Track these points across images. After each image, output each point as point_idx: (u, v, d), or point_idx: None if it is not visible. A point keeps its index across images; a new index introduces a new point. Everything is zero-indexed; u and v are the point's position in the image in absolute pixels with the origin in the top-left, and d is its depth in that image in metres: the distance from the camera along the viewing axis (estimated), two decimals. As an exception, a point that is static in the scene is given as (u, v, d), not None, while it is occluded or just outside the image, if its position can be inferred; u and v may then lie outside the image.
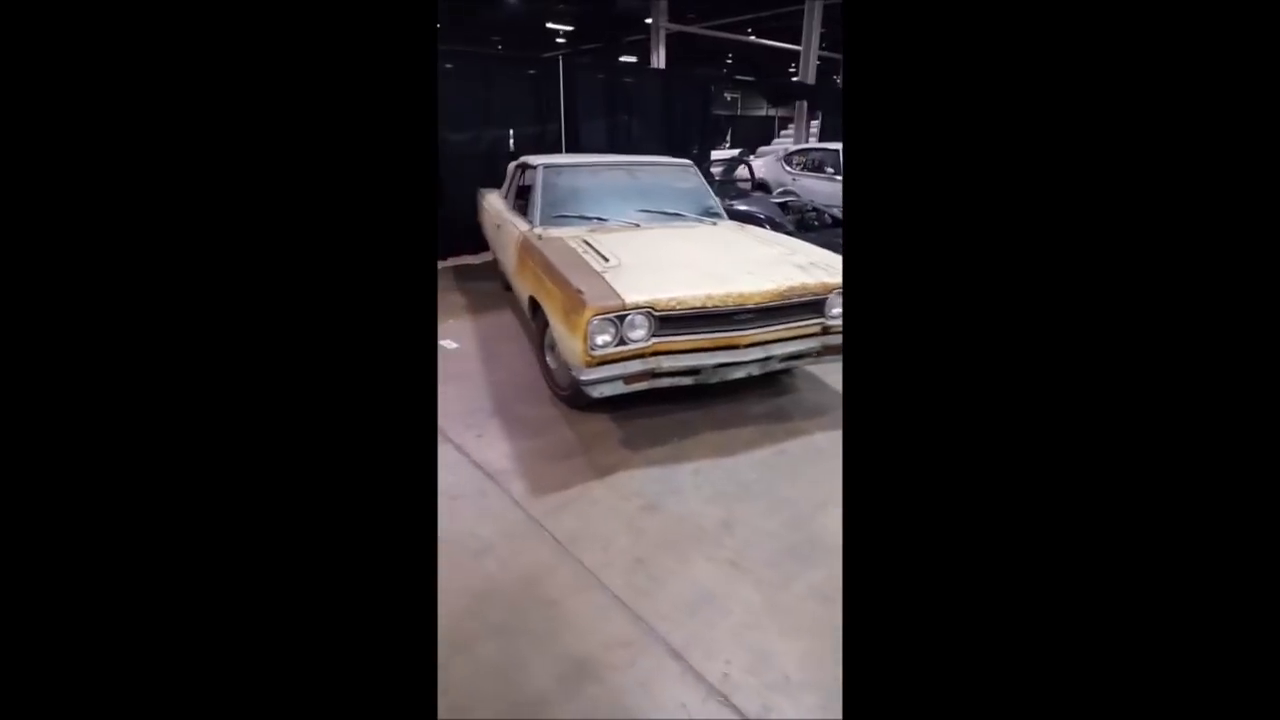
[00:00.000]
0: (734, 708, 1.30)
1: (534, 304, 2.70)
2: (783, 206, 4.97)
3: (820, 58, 10.87)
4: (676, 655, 1.42)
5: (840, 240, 3.69)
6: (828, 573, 1.69)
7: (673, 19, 11.56)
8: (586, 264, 2.41)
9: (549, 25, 17.17)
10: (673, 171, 3.58)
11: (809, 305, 2.40)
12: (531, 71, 5.55)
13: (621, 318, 2.10)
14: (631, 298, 2.10)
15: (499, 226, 3.69)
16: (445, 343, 3.46)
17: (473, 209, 4.91)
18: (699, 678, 1.37)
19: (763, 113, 24.89)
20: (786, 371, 2.97)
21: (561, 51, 16.11)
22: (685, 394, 2.58)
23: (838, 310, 2.44)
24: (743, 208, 4.61)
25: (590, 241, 2.69)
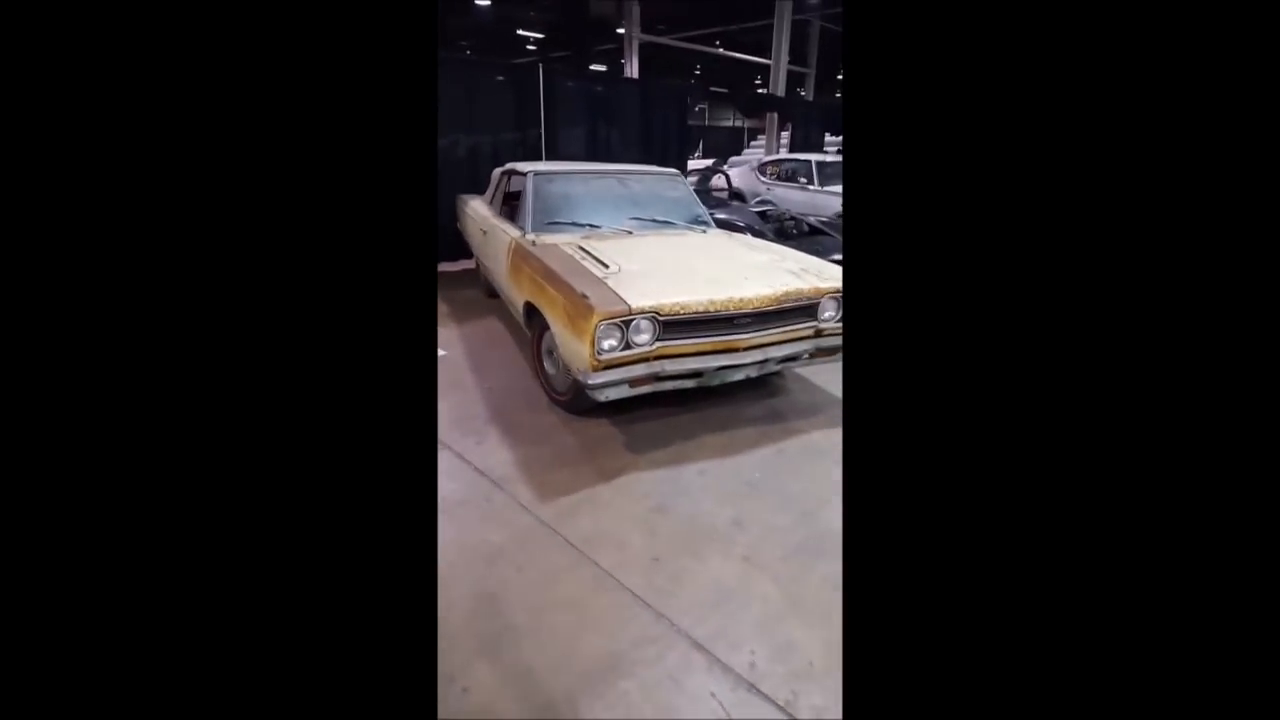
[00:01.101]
0: (762, 695, 1.35)
1: (530, 309, 2.71)
2: (761, 215, 5.09)
3: (788, 71, 11.16)
4: (702, 648, 1.46)
5: (820, 248, 3.82)
6: (840, 565, 1.75)
7: (643, 30, 11.72)
8: (587, 270, 2.44)
9: (519, 32, 17.16)
10: (662, 180, 3.64)
11: (803, 309, 2.49)
12: (510, 78, 5.55)
13: (627, 322, 2.14)
14: (637, 303, 2.15)
15: (485, 233, 3.68)
16: (434, 350, 3.43)
17: (451, 216, 4.88)
18: (726, 668, 1.41)
19: (731, 123, 25.36)
20: (778, 374, 3.06)
21: (532, 59, 16.11)
22: (683, 398, 2.63)
23: (829, 314, 2.54)
24: (723, 216, 4.70)
25: (587, 248, 2.72)
